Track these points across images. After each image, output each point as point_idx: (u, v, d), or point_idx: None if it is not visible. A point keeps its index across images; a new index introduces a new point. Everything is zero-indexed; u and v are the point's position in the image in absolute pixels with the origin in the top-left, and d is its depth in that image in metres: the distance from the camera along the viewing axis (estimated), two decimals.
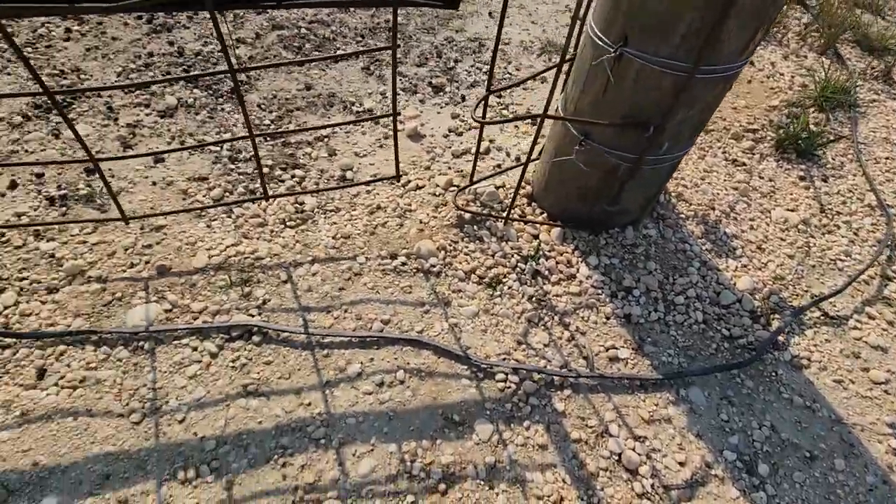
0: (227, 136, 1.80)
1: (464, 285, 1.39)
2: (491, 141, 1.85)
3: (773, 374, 1.32)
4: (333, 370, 1.21)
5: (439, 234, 1.49)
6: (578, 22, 1.13)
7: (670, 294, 1.42)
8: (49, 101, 1.34)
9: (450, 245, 1.47)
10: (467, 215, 1.51)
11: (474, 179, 1.52)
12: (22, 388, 1.12)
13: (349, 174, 1.70)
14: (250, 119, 1.90)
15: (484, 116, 1.25)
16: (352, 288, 1.37)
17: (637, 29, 1.01)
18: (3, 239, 1.39)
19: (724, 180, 1.81)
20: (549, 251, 1.47)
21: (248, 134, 1.19)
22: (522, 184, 1.65)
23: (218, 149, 1.74)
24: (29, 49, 2.00)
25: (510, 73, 2.20)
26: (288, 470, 1.06)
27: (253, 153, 1.75)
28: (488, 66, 2.25)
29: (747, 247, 1.60)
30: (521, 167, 1.34)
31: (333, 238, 1.47)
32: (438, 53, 2.27)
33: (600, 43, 1.09)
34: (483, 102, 1.24)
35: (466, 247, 1.47)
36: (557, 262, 1.44)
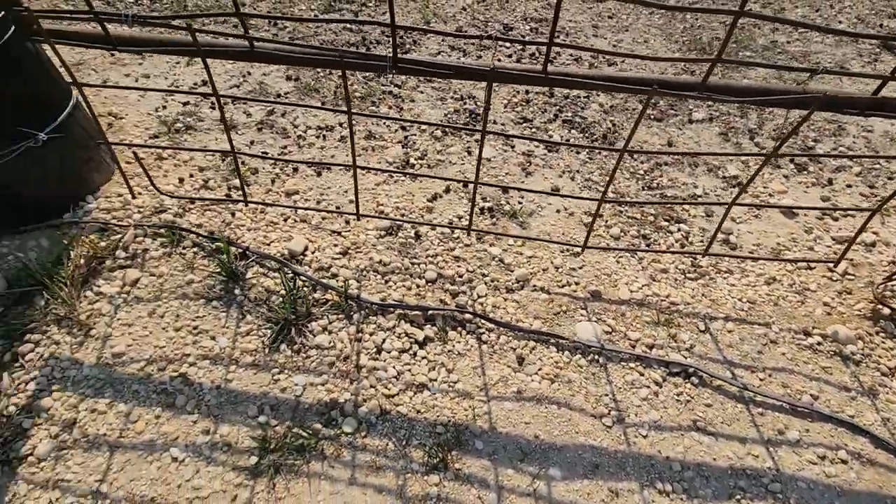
0: (606, 178, 2.07)
1: (888, 381, 1.46)
2: (875, 233, 1.89)
3: None
4: (772, 430, 1.35)
5: (853, 321, 1.58)
6: None
7: None
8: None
9: (866, 335, 1.54)
10: (886, 311, 1.58)
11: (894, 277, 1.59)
12: (510, 370, 1.42)
13: (731, 238, 1.85)
14: (624, 167, 2.16)
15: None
16: (769, 354, 1.50)
17: None
18: (454, 235, 1.77)
19: None
20: None
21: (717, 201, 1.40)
22: None
23: (602, 189, 2.01)
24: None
25: (880, 164, 2.21)
26: None
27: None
28: (850, 151, 2.28)
29: None
30: None
31: (739, 300, 1.63)
32: (794, 131, 2.36)
33: None
34: None
35: (884, 342, 1.53)
36: None
